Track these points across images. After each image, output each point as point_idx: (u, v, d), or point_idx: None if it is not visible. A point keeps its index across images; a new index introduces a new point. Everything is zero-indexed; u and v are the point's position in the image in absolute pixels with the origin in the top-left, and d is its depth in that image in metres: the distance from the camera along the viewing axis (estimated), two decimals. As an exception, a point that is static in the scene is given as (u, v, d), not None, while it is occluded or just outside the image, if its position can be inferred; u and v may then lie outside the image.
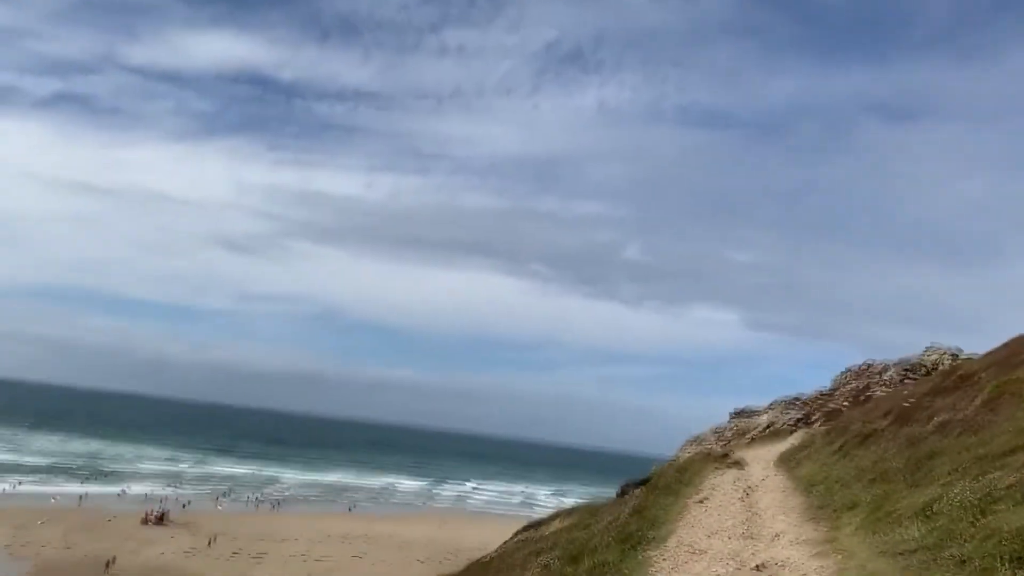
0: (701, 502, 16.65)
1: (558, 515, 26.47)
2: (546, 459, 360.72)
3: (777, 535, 11.96)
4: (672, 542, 12.26)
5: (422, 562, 75.06)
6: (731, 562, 10.60)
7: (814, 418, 51.83)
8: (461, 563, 71.06)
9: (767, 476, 21.40)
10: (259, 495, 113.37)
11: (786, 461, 24.87)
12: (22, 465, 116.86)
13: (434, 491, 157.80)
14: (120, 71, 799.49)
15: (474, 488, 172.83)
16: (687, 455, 58.50)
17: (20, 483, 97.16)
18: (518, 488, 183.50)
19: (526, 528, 26.35)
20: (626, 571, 9.97)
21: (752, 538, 12.12)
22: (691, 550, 11.52)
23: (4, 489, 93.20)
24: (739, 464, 25.12)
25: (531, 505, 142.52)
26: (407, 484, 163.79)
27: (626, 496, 24.45)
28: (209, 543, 71.63)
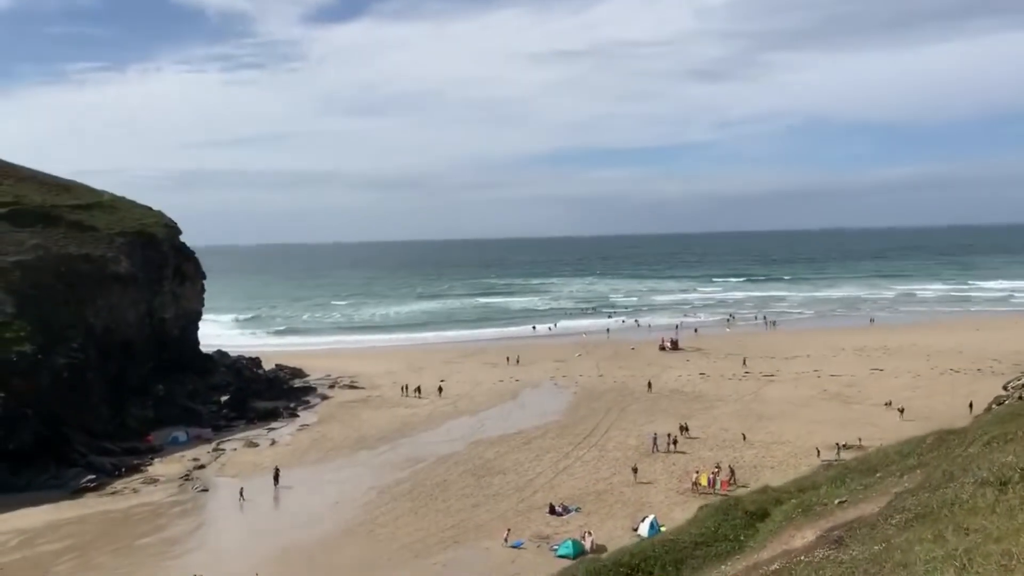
0: None
1: None
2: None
3: None
4: None
5: (956, 371, 66.85)
6: None
7: None
8: (1005, 367, 61.50)
9: None
10: (766, 315, 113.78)
11: None
12: (559, 308, 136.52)
13: (964, 294, 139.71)
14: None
15: (1014, 286, 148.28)
16: None
17: (556, 324, 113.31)
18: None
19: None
20: None
21: None
22: None
23: (549, 328, 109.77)
24: None
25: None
26: (930, 289, 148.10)
27: None
28: (744, 362, 74.46)
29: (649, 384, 65.50)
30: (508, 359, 79.82)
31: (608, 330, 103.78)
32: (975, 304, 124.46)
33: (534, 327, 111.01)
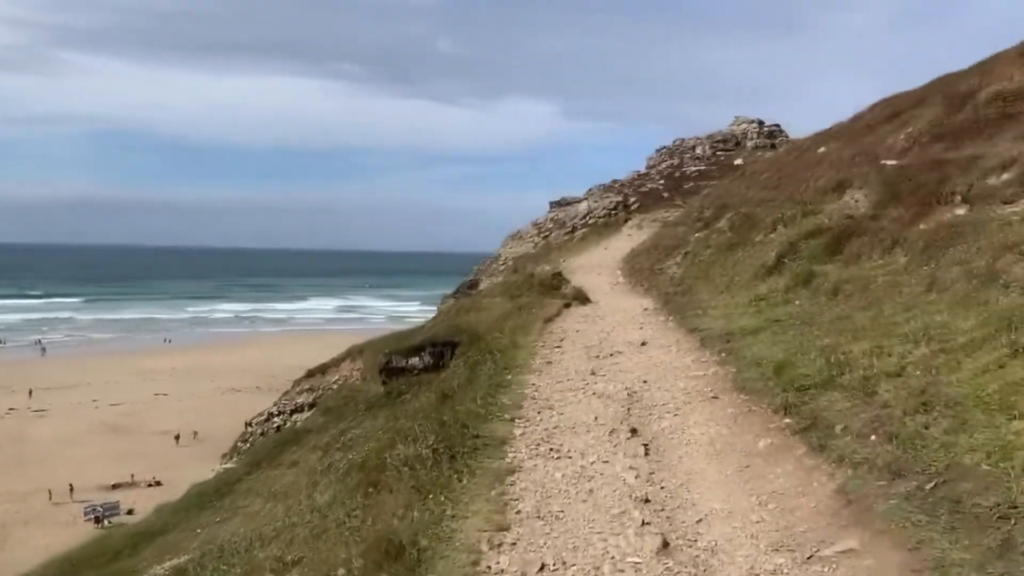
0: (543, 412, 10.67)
1: (349, 354, 21.57)
2: (376, 267, 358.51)
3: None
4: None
5: (238, 390, 70.30)
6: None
7: (631, 200, 50.44)
8: (280, 383, 66.93)
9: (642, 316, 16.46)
10: (45, 339, 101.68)
11: (648, 276, 20.14)
12: None
13: (258, 314, 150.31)
14: None
15: (304, 305, 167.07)
16: (510, 251, 55.40)
17: None
18: (349, 302, 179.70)
19: (309, 375, 21.45)
20: None
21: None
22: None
23: None
24: (582, 298, 18.66)
25: (361, 318, 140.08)
26: (227, 309, 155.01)
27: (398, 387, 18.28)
28: (29, 394, 65.31)
29: None
30: None
31: None
32: (263, 325, 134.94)
33: None
